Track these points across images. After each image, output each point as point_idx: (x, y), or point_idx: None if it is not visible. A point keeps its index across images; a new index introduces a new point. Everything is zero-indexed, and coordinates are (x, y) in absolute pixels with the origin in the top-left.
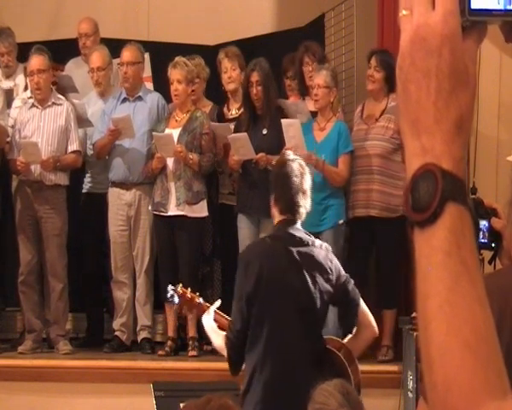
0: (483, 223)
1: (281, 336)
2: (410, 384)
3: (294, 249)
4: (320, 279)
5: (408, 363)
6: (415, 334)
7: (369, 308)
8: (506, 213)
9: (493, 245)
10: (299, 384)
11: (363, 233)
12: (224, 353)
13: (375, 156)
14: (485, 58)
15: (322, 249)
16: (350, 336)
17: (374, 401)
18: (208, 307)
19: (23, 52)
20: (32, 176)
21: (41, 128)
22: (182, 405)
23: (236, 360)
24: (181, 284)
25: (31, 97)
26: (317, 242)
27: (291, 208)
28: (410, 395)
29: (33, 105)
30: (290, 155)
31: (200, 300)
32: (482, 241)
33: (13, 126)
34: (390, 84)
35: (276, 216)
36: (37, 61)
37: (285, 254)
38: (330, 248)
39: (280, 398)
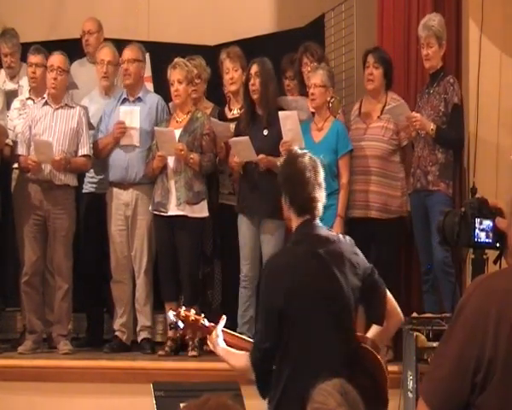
0: (487, 223)
1: (315, 345)
2: (410, 384)
3: (322, 251)
4: (350, 277)
5: (408, 363)
6: (415, 334)
7: None
8: (508, 212)
9: (498, 245)
10: None
11: (360, 234)
12: (249, 374)
13: (374, 157)
14: (485, 59)
15: (347, 243)
16: (376, 327)
17: None
18: (214, 327)
19: (23, 52)
20: (41, 175)
21: (53, 128)
22: (182, 405)
23: (266, 380)
24: (184, 308)
25: (29, 98)
26: (340, 236)
27: (308, 208)
28: (410, 395)
29: (46, 103)
30: (297, 150)
31: (205, 321)
32: (486, 241)
33: (12, 129)
34: (388, 79)
35: (294, 219)
36: (59, 58)
37: (314, 258)
38: (353, 241)
39: None
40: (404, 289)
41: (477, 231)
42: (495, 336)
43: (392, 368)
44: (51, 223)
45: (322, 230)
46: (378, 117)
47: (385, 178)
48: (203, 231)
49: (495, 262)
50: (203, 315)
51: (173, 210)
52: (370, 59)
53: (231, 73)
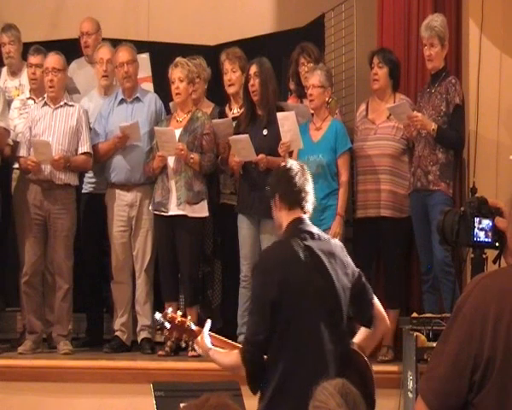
0: (487, 222)
1: (309, 340)
2: (410, 384)
3: (315, 246)
4: (341, 276)
5: (408, 363)
6: (415, 334)
7: None
8: (507, 211)
9: (497, 244)
10: None
11: (368, 233)
12: (239, 371)
13: (385, 156)
14: (485, 58)
15: (337, 244)
16: (363, 330)
17: None
18: (200, 330)
19: (24, 52)
20: (42, 175)
21: (52, 127)
22: (182, 405)
23: (258, 375)
24: (170, 309)
25: (30, 98)
26: (330, 237)
27: (299, 200)
28: (410, 395)
29: (45, 104)
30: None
31: (191, 324)
32: (486, 240)
33: (12, 128)
34: (394, 79)
35: (285, 216)
36: (53, 59)
37: (306, 252)
38: (342, 244)
39: None
40: (404, 289)
41: (476, 230)
42: (493, 335)
43: (392, 368)
44: (52, 223)
45: (314, 228)
46: (388, 117)
47: (396, 176)
48: (203, 230)
49: (494, 262)
50: (189, 318)
51: (173, 210)
52: (375, 60)
53: (229, 74)
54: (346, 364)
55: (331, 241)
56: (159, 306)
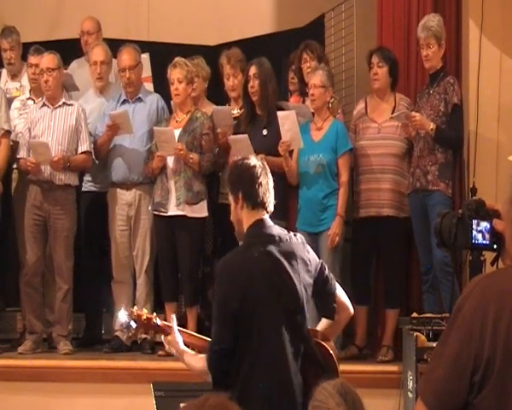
0: (484, 224)
1: (271, 343)
2: (410, 384)
3: (275, 250)
4: (303, 274)
5: (408, 363)
6: (415, 334)
7: (372, 308)
8: (505, 213)
9: (495, 246)
10: (293, 389)
11: (368, 232)
12: (206, 376)
13: (390, 156)
14: (485, 58)
15: (298, 242)
16: (326, 321)
17: (374, 401)
18: (166, 326)
19: (24, 52)
20: (41, 176)
21: (51, 127)
22: (182, 405)
23: (222, 380)
24: (136, 307)
25: (30, 98)
26: (292, 234)
27: (263, 200)
28: (410, 395)
29: (44, 104)
30: (244, 156)
31: (158, 321)
32: (483, 242)
33: (12, 129)
34: (393, 78)
35: (246, 215)
36: (46, 59)
37: (267, 258)
38: (304, 239)
39: (277, 408)
40: (403, 289)
41: (474, 232)
42: (493, 336)
43: (392, 368)
44: (52, 224)
45: (274, 229)
46: (390, 117)
47: (400, 176)
48: (203, 230)
49: (492, 264)
50: (155, 314)
51: (173, 210)
52: (374, 59)
53: (231, 79)
54: (310, 359)
55: (292, 240)
56: (159, 306)
